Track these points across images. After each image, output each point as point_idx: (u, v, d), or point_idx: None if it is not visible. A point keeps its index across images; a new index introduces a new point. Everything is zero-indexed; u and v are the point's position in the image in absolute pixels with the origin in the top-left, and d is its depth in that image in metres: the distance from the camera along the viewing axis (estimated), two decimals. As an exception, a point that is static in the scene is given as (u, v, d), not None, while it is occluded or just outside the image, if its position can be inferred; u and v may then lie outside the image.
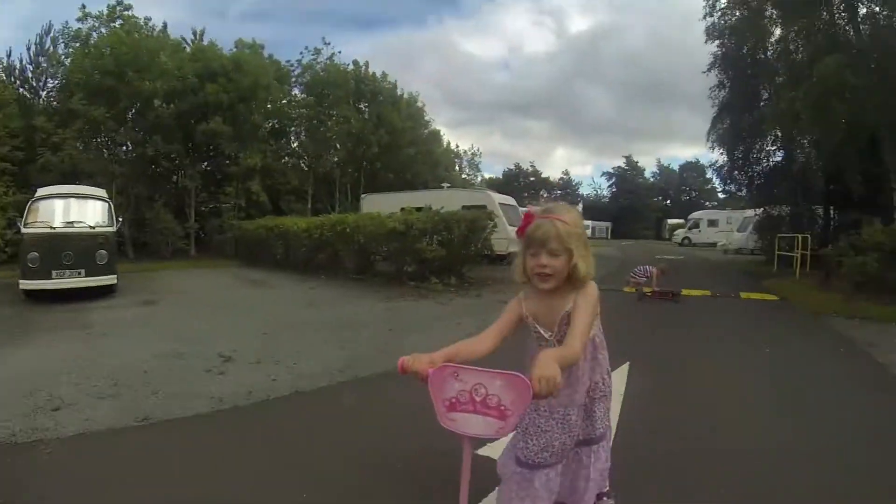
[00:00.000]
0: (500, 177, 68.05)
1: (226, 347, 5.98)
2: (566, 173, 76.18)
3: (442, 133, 38.88)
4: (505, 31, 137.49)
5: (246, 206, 25.58)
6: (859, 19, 13.03)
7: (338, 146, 29.34)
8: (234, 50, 25.32)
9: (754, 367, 5.56)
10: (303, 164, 30.41)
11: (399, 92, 33.38)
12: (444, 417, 1.69)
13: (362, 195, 23.77)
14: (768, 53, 15.66)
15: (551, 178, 73.98)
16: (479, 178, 50.10)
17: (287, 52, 67.30)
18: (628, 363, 4.97)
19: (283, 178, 28.53)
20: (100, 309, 8.99)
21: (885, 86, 11.40)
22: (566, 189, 72.14)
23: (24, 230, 9.84)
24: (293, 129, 29.79)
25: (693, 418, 3.92)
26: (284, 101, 28.35)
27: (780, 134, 16.43)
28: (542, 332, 1.99)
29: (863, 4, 13.13)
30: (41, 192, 10.68)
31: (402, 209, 16.44)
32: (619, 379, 4.08)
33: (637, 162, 70.76)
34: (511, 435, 2.05)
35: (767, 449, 3.33)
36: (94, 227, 10.27)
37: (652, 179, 70.64)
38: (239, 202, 25.28)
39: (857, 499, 2.81)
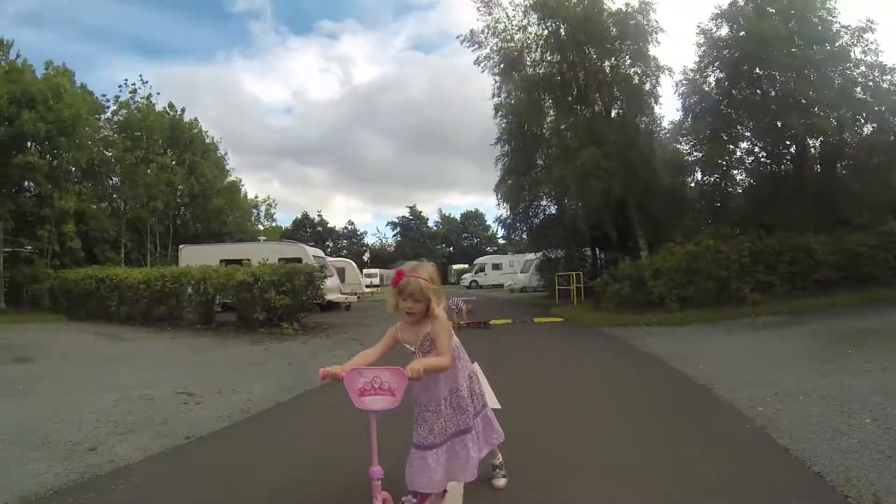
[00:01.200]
0: (290, 225, 67.92)
1: (169, 388, 6.87)
2: (351, 223, 78.88)
3: (241, 183, 39.08)
4: (291, 76, 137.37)
5: (60, 253, 23.29)
6: (612, 117, 18.27)
7: (155, 195, 28.26)
8: (45, 72, 23.78)
9: (554, 354, 9.93)
10: (114, 210, 29.00)
11: (208, 140, 33.83)
12: (357, 402, 2.67)
13: (181, 246, 23.96)
14: (544, 131, 20.34)
15: (337, 228, 76.11)
16: (269, 227, 50.35)
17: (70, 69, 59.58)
18: (476, 363, 7.68)
19: (97, 225, 26.64)
20: None
21: (626, 168, 16.78)
22: (352, 238, 74.71)
23: None
24: (105, 171, 28.35)
25: (521, 385, 6.92)
26: (99, 139, 27.02)
27: (553, 194, 21.21)
28: (409, 348, 3.03)
29: (614, 108, 18.32)
30: None
31: (221, 261, 18.27)
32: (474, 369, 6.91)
33: (420, 212, 75.73)
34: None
35: (567, 388, 6.98)
36: None
37: (435, 228, 75.80)
38: (53, 248, 22.96)
39: (611, 402, 5.94)
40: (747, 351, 8.52)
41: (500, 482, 3.43)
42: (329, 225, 74.86)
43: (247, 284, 13.48)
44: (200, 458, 4.42)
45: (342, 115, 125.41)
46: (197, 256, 19.74)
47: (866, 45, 15.60)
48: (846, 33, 15.74)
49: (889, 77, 15.41)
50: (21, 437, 4.78)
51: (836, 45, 15.68)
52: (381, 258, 65.94)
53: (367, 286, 20.40)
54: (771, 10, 16.01)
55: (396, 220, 76.00)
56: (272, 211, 48.16)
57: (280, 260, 17.06)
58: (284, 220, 61.81)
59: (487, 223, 74.86)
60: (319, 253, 23.38)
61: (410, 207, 76.45)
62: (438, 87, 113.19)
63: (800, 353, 7.73)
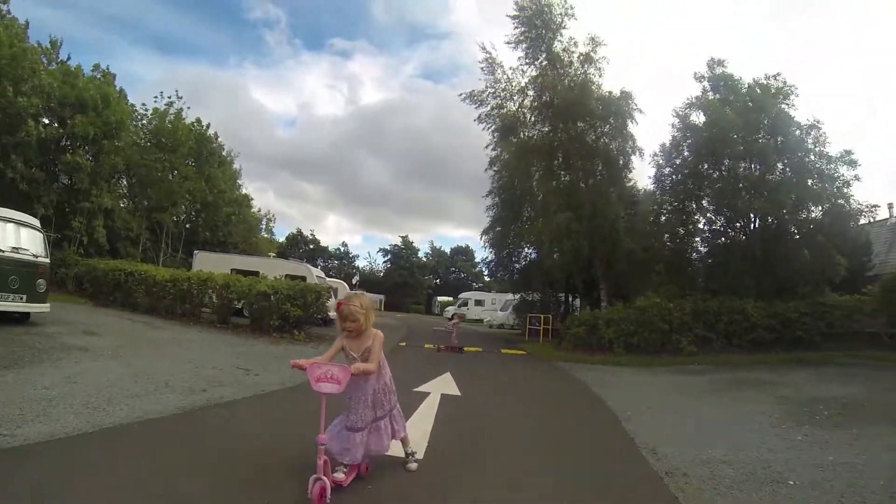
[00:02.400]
0: (283, 240, 69.04)
1: (229, 364, 9.60)
2: (344, 244, 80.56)
3: (251, 198, 41.66)
4: (299, 89, 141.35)
5: (86, 243, 25.86)
6: (589, 184, 21.35)
7: (178, 201, 31.02)
8: (90, 74, 26.25)
9: (507, 374, 12.84)
10: (139, 210, 31.49)
11: (225, 153, 36.40)
12: (315, 386, 3.89)
13: (196, 252, 25.93)
14: (534, 188, 23.28)
15: (330, 248, 77.81)
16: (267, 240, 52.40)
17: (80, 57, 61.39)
18: (448, 372, 10.89)
19: (122, 223, 29.44)
20: (59, 335, 10.50)
21: (595, 232, 19.83)
22: (343, 259, 76.48)
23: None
24: (137, 175, 30.75)
25: (477, 388, 9.90)
26: (133, 144, 29.41)
27: (534, 245, 24.36)
28: (353, 354, 4.22)
29: (593, 177, 21.55)
30: None
31: (232, 270, 20.50)
32: (446, 378, 10.22)
33: (412, 242, 77.98)
34: (340, 420, 4.29)
35: (507, 393, 10.04)
36: (36, 257, 11.36)
37: (425, 259, 78.11)
38: (82, 238, 25.49)
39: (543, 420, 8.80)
40: (655, 386, 11.20)
41: (412, 466, 4.74)
42: (322, 244, 76.83)
43: (266, 295, 16.02)
44: (271, 401, 7.38)
45: (345, 135, 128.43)
46: (210, 263, 21.94)
47: (816, 138, 18.47)
48: (798, 128, 18.59)
49: (833, 166, 18.07)
50: (146, 382, 7.39)
51: (791, 136, 18.50)
52: (369, 282, 67.62)
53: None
54: (734, 102, 18.95)
55: (388, 248, 78.22)
56: (271, 225, 50.54)
57: (286, 276, 19.48)
58: (278, 233, 63.89)
59: (475, 260, 77.45)
60: (321, 274, 25.80)
61: (403, 237, 78.68)
62: (444, 116, 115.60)
63: (695, 392, 10.28)
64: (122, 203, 30.66)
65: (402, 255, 76.28)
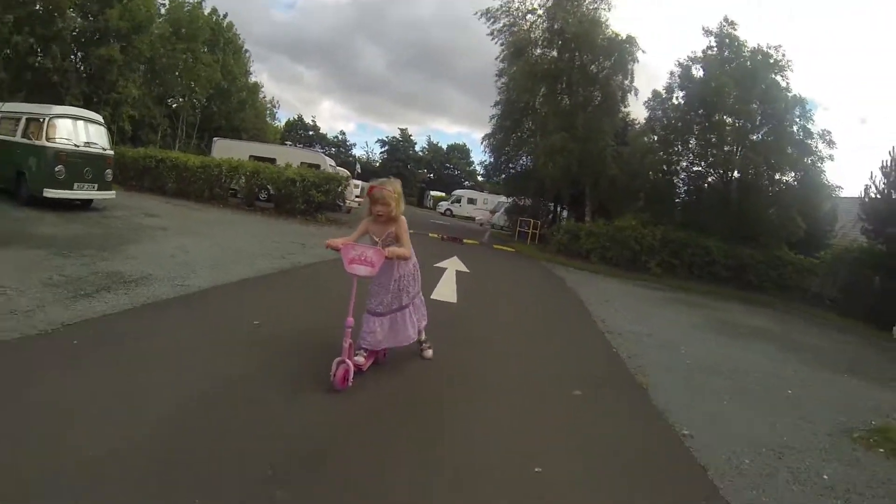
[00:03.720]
0: (282, 125, 68.92)
1: (287, 239, 12.16)
2: (343, 133, 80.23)
3: (261, 85, 42.67)
4: None
5: (112, 131, 26.02)
6: (587, 110, 23.36)
7: (197, 89, 32.39)
8: None
9: (503, 269, 15.28)
10: (160, 98, 32.19)
11: (240, 42, 37.47)
12: (348, 267, 4.07)
13: (215, 139, 26.84)
14: (537, 105, 25.42)
15: (328, 136, 77.85)
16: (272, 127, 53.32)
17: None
18: (455, 256, 13.64)
19: (146, 110, 30.56)
20: (130, 217, 11.85)
21: (585, 153, 22.11)
22: (340, 147, 76.20)
23: (47, 144, 11.04)
24: (162, 65, 31.48)
25: (474, 270, 12.68)
26: (156, 35, 30.11)
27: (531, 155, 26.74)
28: (375, 239, 4.39)
29: (591, 104, 23.55)
30: (56, 110, 12.03)
31: (251, 157, 21.77)
32: (455, 260, 12.95)
33: (411, 135, 78.57)
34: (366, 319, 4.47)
35: (499, 278, 13.03)
36: (104, 150, 12.23)
37: (421, 153, 78.56)
38: (110, 127, 25.88)
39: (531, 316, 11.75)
40: (618, 291, 13.82)
41: (428, 353, 5.11)
42: (321, 131, 76.91)
43: (294, 181, 18.01)
44: (328, 266, 9.77)
45: (345, 20, 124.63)
46: (229, 149, 22.84)
47: (801, 113, 20.57)
48: (786, 101, 20.41)
49: (813, 141, 20.22)
50: (234, 252, 9.56)
51: (779, 106, 20.34)
52: (365, 172, 68.47)
53: (357, 196, 25.27)
54: (733, 63, 20.78)
55: (386, 139, 78.70)
56: (275, 111, 51.32)
57: (302, 164, 20.94)
58: (279, 118, 63.64)
59: (470, 158, 78.71)
60: (333, 163, 26.49)
61: (402, 129, 79.35)
62: (447, 9, 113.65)
63: (648, 301, 12.95)
64: (147, 93, 31.24)
65: (399, 147, 76.67)
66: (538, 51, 23.99)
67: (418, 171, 75.81)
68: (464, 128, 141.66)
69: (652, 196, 22.97)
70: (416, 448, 3.40)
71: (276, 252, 10.10)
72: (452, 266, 12.01)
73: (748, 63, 20.73)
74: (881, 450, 4.72)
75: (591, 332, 8.11)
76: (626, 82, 23.23)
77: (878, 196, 17.50)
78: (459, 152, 79.53)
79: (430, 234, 20.42)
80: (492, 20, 24.49)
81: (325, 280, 8.03)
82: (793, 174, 20.74)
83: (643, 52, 23.00)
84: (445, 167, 78.31)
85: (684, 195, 23.57)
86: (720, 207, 20.78)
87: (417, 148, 79.19)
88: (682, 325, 10.04)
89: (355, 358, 4.27)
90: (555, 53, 23.55)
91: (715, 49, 21.51)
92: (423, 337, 5.09)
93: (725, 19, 21.41)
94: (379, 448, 3.33)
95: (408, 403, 4.17)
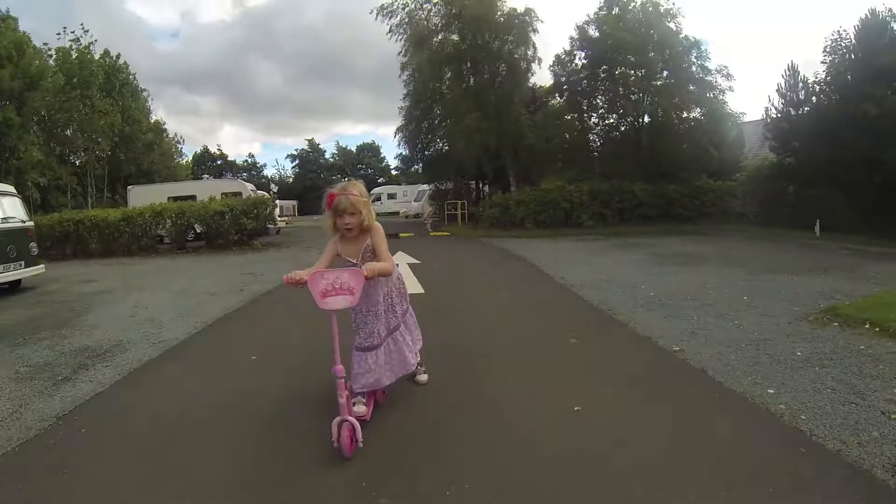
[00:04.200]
0: (190, 160, 66.73)
1: (236, 272, 11.94)
2: (251, 155, 79.10)
3: (163, 122, 40.98)
4: None
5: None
6: (495, 86, 24.13)
7: (100, 140, 30.80)
8: None
9: (450, 253, 15.49)
10: (63, 157, 30.60)
11: (135, 83, 36.06)
12: (321, 304, 3.11)
13: (129, 188, 25.97)
14: (444, 90, 25.93)
15: (237, 161, 76.48)
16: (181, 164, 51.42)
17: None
18: (399, 251, 13.88)
19: (51, 174, 29.15)
20: (70, 287, 10.94)
21: (500, 127, 22.85)
22: (251, 170, 75.25)
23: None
24: (59, 119, 30.13)
25: (424, 258, 13.16)
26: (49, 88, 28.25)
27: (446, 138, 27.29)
28: (350, 260, 3.49)
29: (497, 80, 24.22)
30: None
31: (169, 198, 21.05)
32: (400, 255, 13.19)
33: (319, 144, 78.37)
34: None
35: (450, 261, 13.48)
36: (24, 221, 11.19)
37: (332, 160, 78.56)
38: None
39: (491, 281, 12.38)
40: (561, 249, 14.55)
41: (423, 378, 4.29)
42: (229, 158, 75.34)
43: (222, 213, 17.71)
44: (281, 292, 9.75)
45: (233, 41, 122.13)
46: (146, 196, 21.96)
47: (698, 54, 22.04)
48: (682, 45, 21.84)
49: (712, 77, 21.89)
50: (192, 295, 9.29)
51: (676, 50, 21.76)
52: (281, 189, 66.67)
53: (280, 216, 25.11)
54: (627, 19, 21.91)
55: (295, 152, 78.10)
56: (180, 147, 49.71)
57: (223, 195, 20.59)
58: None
59: (381, 155, 79.26)
60: (253, 187, 26.54)
61: (309, 140, 78.77)
62: (336, 10, 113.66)
63: (593, 251, 13.59)
64: (52, 155, 30.01)
65: (309, 158, 76.35)
66: (439, 37, 24.43)
67: (332, 179, 74.67)
68: (368, 126, 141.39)
69: (570, 155, 23.96)
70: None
71: (231, 287, 9.90)
72: (402, 260, 12.30)
73: (640, 15, 21.91)
74: (835, 324, 5.66)
75: (557, 289, 8.59)
76: (530, 53, 24.04)
77: (779, 115, 19.12)
78: (370, 151, 79.67)
79: None
80: (388, 16, 24.87)
81: (295, 301, 7.88)
82: (699, 110, 22.14)
83: (541, 21, 23.86)
84: (358, 169, 77.76)
85: (601, 148, 24.66)
86: (637, 153, 22.04)
87: (328, 155, 79.26)
88: (631, 265, 10.70)
89: (355, 409, 3.43)
90: (455, 37, 24.09)
91: (604, 10, 22.65)
92: (419, 359, 4.17)
93: None
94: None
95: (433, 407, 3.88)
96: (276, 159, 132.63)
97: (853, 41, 17.06)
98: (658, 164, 21.92)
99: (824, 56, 18.09)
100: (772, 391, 3.90)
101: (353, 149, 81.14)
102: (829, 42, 17.87)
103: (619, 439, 3.22)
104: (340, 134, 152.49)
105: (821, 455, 2.96)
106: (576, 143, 24.18)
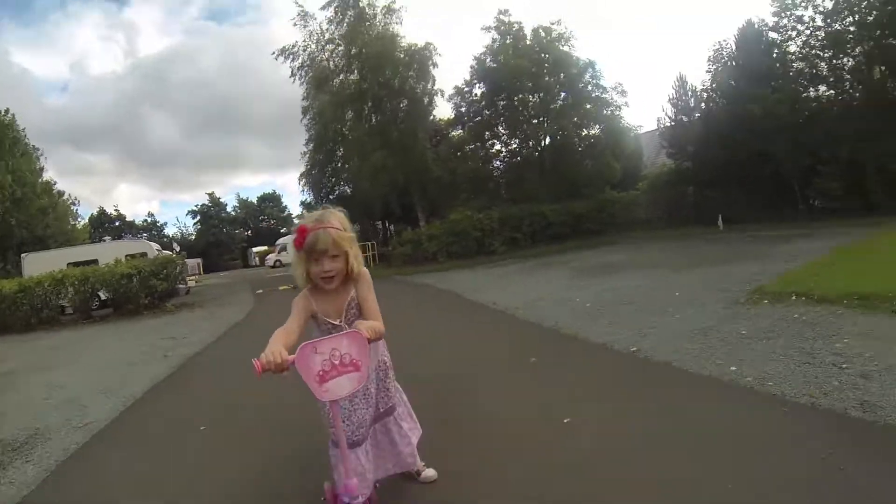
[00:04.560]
0: (86, 223, 61.88)
1: (153, 340, 10.84)
2: (151, 215, 74.62)
3: (54, 182, 37.70)
4: (69, 46, 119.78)
5: None
6: (398, 122, 24.30)
7: None
8: None
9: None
10: None
11: (26, 140, 33.24)
12: (319, 392, 2.10)
13: (23, 255, 23.65)
14: (345, 131, 25.79)
15: (136, 221, 72.00)
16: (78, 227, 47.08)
17: None
18: None
19: None
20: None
21: (406, 163, 23.01)
22: (151, 230, 70.96)
23: None
24: None
25: None
26: None
27: (351, 181, 27.25)
28: (332, 321, 2.45)
29: (399, 117, 24.46)
30: None
31: (69, 264, 19.15)
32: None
33: (220, 198, 74.85)
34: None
35: (393, 302, 12.75)
36: None
37: (234, 213, 75.51)
38: None
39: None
40: (481, 277, 14.60)
41: (430, 473, 2.98)
42: (128, 219, 70.85)
43: (130, 276, 16.37)
44: (218, 348, 9.70)
45: (126, 93, 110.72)
46: (43, 263, 20.17)
47: (592, 74, 23.40)
48: (576, 66, 23.09)
49: (608, 95, 23.35)
50: (115, 369, 8.21)
51: (571, 72, 22.90)
52: (184, 247, 64.12)
53: (190, 275, 23.81)
54: (520, 48, 22.82)
55: (196, 208, 74.18)
56: (75, 209, 45.88)
57: (127, 256, 19.16)
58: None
59: (283, 204, 77.43)
60: (158, 247, 25.04)
61: (209, 194, 75.26)
62: (230, 59, 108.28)
63: (514, 275, 13.82)
64: None
65: (210, 213, 73.10)
66: (340, 77, 24.48)
67: (235, 232, 73.19)
68: (268, 175, 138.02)
69: (476, 184, 24.54)
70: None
71: (154, 354, 9.04)
72: None
73: (534, 44, 22.92)
74: (765, 301, 6.22)
75: (495, 315, 8.48)
76: (430, 87, 24.50)
77: (672, 123, 20.71)
78: (271, 201, 77.71)
79: (281, 287, 19.78)
80: (289, 58, 24.86)
81: (231, 360, 7.49)
82: (597, 127, 23.43)
83: (440, 55, 24.35)
84: (261, 220, 76.11)
85: (505, 174, 25.40)
86: (541, 175, 22.88)
87: (229, 209, 76.02)
88: (557, 282, 11.01)
89: None
90: (356, 76, 24.10)
91: (499, 40, 23.52)
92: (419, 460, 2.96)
93: (499, 11, 23.67)
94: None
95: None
96: (177, 217, 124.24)
97: (734, 49, 19.05)
98: (563, 184, 22.80)
99: (709, 65, 20.09)
100: (734, 368, 4.18)
101: (255, 200, 78.68)
102: (713, 51, 19.90)
103: (628, 435, 3.29)
104: (240, 186, 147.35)
105: (800, 410, 3.29)
106: (480, 173, 24.77)
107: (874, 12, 16.51)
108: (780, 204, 17.70)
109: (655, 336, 5.53)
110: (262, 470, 3.51)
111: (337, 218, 2.43)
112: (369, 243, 26.61)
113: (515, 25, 23.50)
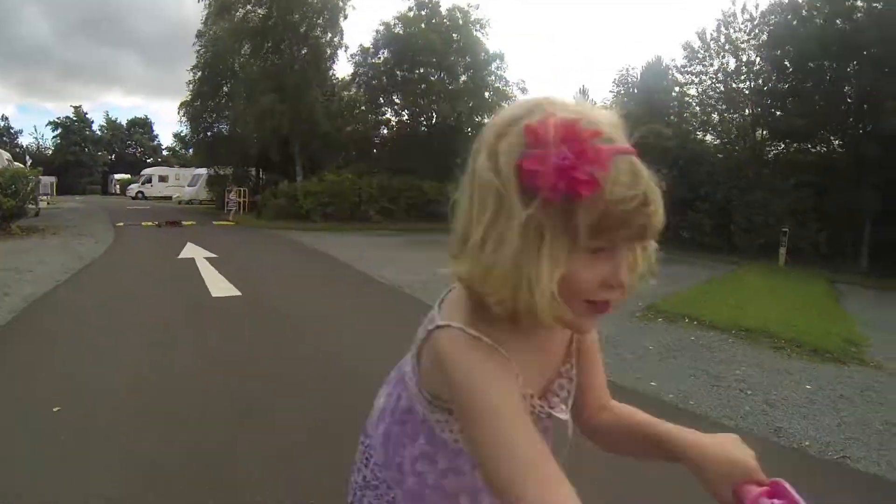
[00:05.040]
0: None
1: None
2: (5, 118, 65.16)
3: None
4: None
5: None
6: (295, 69, 22.80)
7: None
8: None
9: (245, 246, 14.01)
10: None
11: None
12: None
13: None
14: (236, 67, 24.20)
15: None
16: None
17: None
18: (188, 242, 12.43)
19: None
20: None
21: (295, 112, 21.56)
22: (3, 137, 62.36)
23: None
24: None
25: (236, 254, 13.11)
26: None
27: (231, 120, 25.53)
28: (559, 414, 0.86)
29: (299, 63, 22.89)
30: None
31: None
32: (192, 247, 11.70)
33: (86, 113, 67.27)
34: None
35: (268, 256, 13.26)
36: None
37: (100, 132, 68.39)
38: None
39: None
40: (359, 245, 13.94)
41: None
42: None
43: None
44: (73, 286, 8.76)
45: None
46: None
47: (498, 65, 23.56)
48: (486, 53, 23.21)
49: (510, 88, 23.76)
50: None
51: (478, 58, 22.96)
52: (37, 162, 56.74)
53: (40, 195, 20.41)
54: (434, 21, 22.49)
55: (58, 120, 66.07)
56: None
57: None
58: None
59: (154, 132, 72.07)
60: (9, 157, 21.84)
61: (76, 108, 67.43)
62: None
63: (396, 248, 13.64)
64: None
65: (74, 128, 65.44)
66: (247, 8, 22.61)
67: (98, 155, 66.41)
68: (139, 99, 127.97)
69: (361, 147, 24.12)
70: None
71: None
72: (196, 254, 10.83)
73: (447, 20, 22.64)
74: (659, 319, 6.52)
75: (386, 291, 8.11)
76: (336, 39, 23.24)
77: None
78: (141, 127, 71.48)
79: (143, 223, 18.18)
80: None
81: (85, 310, 6.31)
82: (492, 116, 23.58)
83: (354, 8, 23.08)
84: (127, 145, 70.03)
85: (393, 143, 24.93)
86: (428, 151, 22.46)
87: (95, 127, 68.57)
88: (422, 258, 10.73)
89: None
90: (261, 11, 22.42)
91: (415, 10, 23.00)
92: None
93: None
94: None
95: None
96: (35, 126, 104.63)
97: (638, 78, 19.93)
98: (448, 165, 22.56)
99: (613, 86, 20.91)
100: (654, 384, 4.29)
101: (124, 123, 71.88)
102: (619, 74, 20.76)
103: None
104: (110, 104, 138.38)
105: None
106: (368, 136, 24.25)
107: (767, 83, 18.52)
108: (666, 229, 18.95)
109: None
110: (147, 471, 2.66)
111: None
112: (239, 189, 24.91)
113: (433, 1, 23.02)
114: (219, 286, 7.67)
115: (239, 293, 7.33)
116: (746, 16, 18.72)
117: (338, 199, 20.21)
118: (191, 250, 11.21)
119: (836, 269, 15.23)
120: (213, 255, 10.71)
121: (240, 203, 24.11)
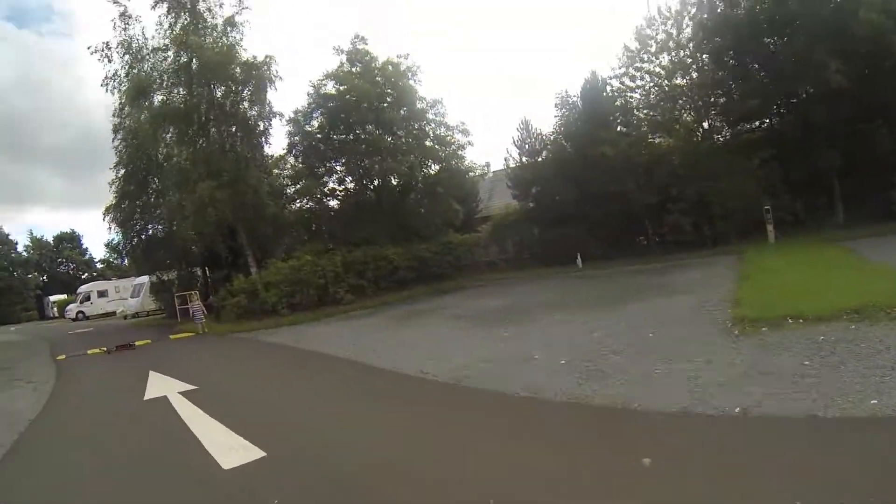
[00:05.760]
0: None
1: None
2: None
3: None
4: None
5: None
6: (227, 150, 21.00)
7: None
8: None
9: (219, 364, 11.85)
10: None
11: None
12: None
13: None
14: (160, 157, 22.09)
15: None
16: None
17: None
18: (149, 371, 10.24)
19: None
20: None
21: (237, 198, 19.70)
22: None
23: None
24: None
25: (217, 380, 10.62)
26: None
27: (165, 218, 23.64)
28: None
29: (229, 143, 21.18)
30: None
31: None
32: (157, 377, 9.64)
33: (8, 235, 63.06)
34: None
35: (254, 372, 11.66)
36: None
37: (26, 254, 64.74)
38: None
39: None
40: (345, 334, 12.61)
41: None
42: None
43: None
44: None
45: None
46: None
47: (437, 111, 22.37)
48: (422, 101, 22.09)
49: (451, 133, 22.52)
50: None
51: (415, 107, 21.82)
52: None
53: None
54: (367, 76, 21.06)
55: None
56: None
57: None
58: None
59: (84, 246, 68.61)
60: None
61: None
62: (28, 70, 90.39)
63: (382, 328, 12.45)
64: None
65: None
66: (164, 89, 20.94)
67: (28, 277, 62.65)
68: (66, 213, 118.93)
69: (309, 224, 22.84)
70: None
71: None
72: (167, 388, 8.51)
73: (379, 75, 21.53)
74: (763, 328, 6.10)
75: (441, 388, 6.67)
76: (267, 110, 21.56)
77: (517, 165, 20.93)
78: (69, 242, 67.92)
79: (90, 351, 15.47)
80: (106, 59, 20.89)
81: None
82: (438, 166, 22.71)
83: (281, 79, 21.24)
84: (58, 263, 66.65)
85: (343, 215, 23.32)
86: (378, 217, 21.42)
87: (20, 248, 64.65)
88: (435, 334, 10.27)
89: None
90: (184, 91, 20.52)
91: (346, 65, 21.86)
92: None
93: (356, 36, 22.08)
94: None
95: None
96: None
97: (578, 97, 20.26)
98: (403, 226, 21.61)
99: (556, 110, 20.93)
100: (875, 402, 3.80)
101: (50, 239, 68.20)
102: (559, 98, 20.82)
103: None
104: (32, 223, 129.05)
105: None
106: (316, 212, 22.74)
107: (711, 76, 19.58)
108: (630, 240, 18.58)
109: (725, 390, 4.56)
110: None
111: None
112: (188, 293, 22.86)
113: (368, 55, 21.74)
114: (223, 443, 5.25)
115: (261, 452, 4.88)
116: (662, 18, 20.02)
117: (302, 286, 18.31)
118: (158, 384, 8.98)
119: (818, 231, 16.62)
120: (191, 388, 8.39)
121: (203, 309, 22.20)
